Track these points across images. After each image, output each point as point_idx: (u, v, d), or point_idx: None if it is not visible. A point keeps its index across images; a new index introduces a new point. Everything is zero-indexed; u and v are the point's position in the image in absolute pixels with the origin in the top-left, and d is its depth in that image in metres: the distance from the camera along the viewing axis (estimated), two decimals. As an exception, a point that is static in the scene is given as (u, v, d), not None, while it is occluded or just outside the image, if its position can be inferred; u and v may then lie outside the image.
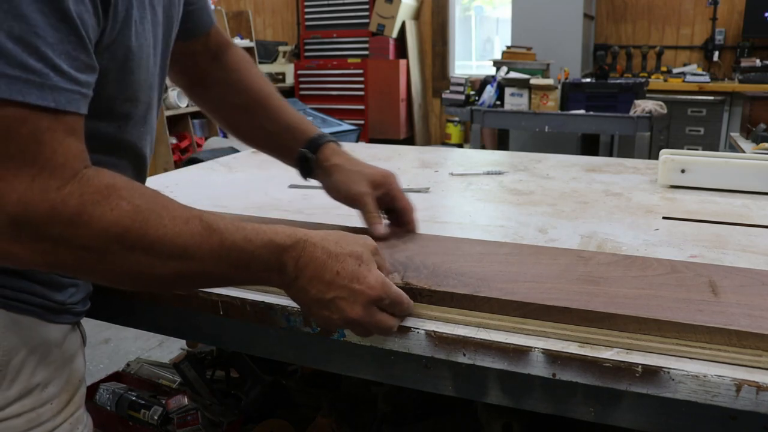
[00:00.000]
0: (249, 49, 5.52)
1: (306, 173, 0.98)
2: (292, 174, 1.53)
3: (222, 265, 0.65)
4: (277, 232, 0.67)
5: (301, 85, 6.71)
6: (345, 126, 4.97)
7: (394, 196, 0.95)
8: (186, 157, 4.48)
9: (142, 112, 0.78)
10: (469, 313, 0.73)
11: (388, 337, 0.73)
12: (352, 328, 0.70)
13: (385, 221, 0.95)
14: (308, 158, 0.96)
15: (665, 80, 4.98)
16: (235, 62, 1.02)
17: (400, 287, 0.76)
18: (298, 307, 0.78)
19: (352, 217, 1.13)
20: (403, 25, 6.30)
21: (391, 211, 0.97)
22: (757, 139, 2.53)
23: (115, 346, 2.70)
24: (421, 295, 0.75)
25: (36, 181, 0.56)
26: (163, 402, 1.51)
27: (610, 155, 4.48)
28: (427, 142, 6.66)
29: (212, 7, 1.02)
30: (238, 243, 0.65)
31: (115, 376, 1.77)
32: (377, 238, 0.87)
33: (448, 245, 0.90)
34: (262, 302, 0.80)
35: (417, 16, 6.53)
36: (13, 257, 0.58)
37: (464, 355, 0.70)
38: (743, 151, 2.42)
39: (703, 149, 4.57)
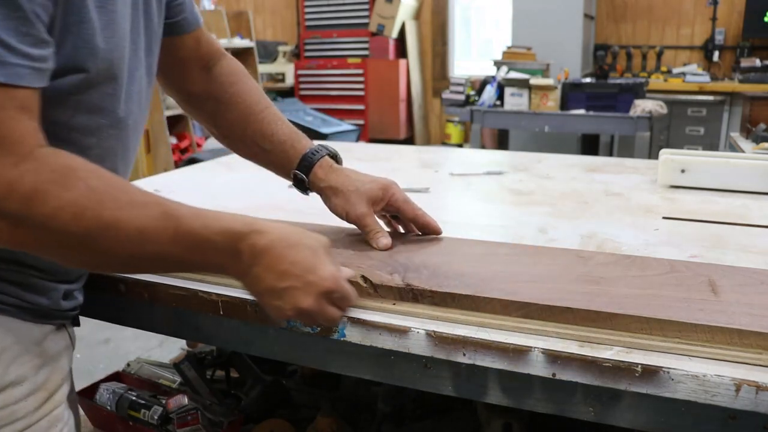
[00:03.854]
0: (249, 50, 5.52)
1: (304, 192, 0.96)
2: (292, 174, 1.54)
3: (178, 250, 0.66)
4: (235, 219, 0.69)
5: (301, 85, 6.71)
6: (345, 126, 4.97)
7: (398, 208, 0.93)
8: (186, 157, 4.49)
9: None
10: (470, 313, 0.73)
11: (337, 330, 0.73)
12: (301, 317, 0.70)
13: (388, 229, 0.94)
14: (302, 180, 0.93)
15: (665, 80, 4.98)
16: (228, 74, 0.98)
17: (400, 288, 0.76)
18: (298, 307, 0.78)
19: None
20: (403, 25, 6.31)
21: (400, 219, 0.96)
22: (757, 139, 2.53)
23: (115, 346, 2.70)
24: (423, 296, 0.75)
25: None
26: (163, 402, 1.51)
27: (610, 155, 4.48)
28: (427, 142, 6.66)
29: (197, 9, 0.97)
30: (196, 228, 0.66)
31: (115, 376, 1.77)
32: (385, 248, 0.88)
33: (448, 246, 0.91)
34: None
35: (417, 16, 6.53)
36: None
37: (464, 354, 0.70)
38: (743, 151, 2.42)
39: (703, 149, 4.57)
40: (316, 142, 0.98)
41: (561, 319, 0.69)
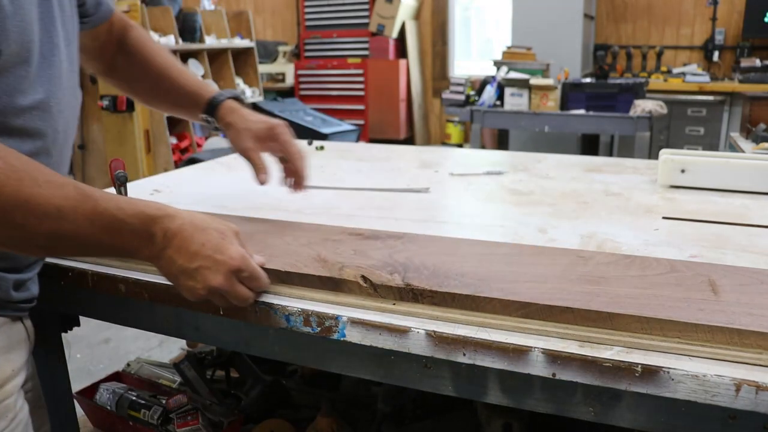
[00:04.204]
0: (249, 50, 5.52)
1: (216, 132, 1.07)
2: (292, 174, 1.54)
3: (95, 230, 0.70)
4: (148, 204, 0.74)
5: (301, 85, 6.71)
6: (345, 126, 4.97)
7: (282, 146, 1.05)
8: (186, 157, 4.48)
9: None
10: (471, 313, 0.73)
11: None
12: (213, 296, 0.75)
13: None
14: (209, 121, 1.06)
15: (665, 80, 4.98)
16: (135, 44, 1.09)
17: (400, 288, 0.76)
18: (298, 307, 0.78)
19: (353, 217, 1.13)
20: (403, 25, 6.31)
21: (286, 160, 1.09)
22: (757, 139, 2.53)
23: (115, 346, 2.70)
24: (423, 296, 0.75)
25: None
26: (164, 402, 1.51)
27: (610, 155, 4.48)
28: (427, 142, 6.67)
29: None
30: (111, 210, 0.71)
31: (115, 376, 1.77)
32: (262, 183, 1.03)
33: (448, 246, 0.91)
34: (262, 302, 0.80)
35: (417, 16, 6.53)
36: None
37: (464, 354, 0.70)
38: (743, 151, 2.42)
39: (703, 149, 4.57)
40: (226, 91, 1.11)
41: (561, 319, 0.69)
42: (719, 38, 5.19)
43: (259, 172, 1.04)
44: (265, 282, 0.79)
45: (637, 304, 0.69)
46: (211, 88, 1.08)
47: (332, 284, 0.80)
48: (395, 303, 0.76)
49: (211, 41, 5.03)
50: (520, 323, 0.70)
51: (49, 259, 0.96)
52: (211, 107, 1.06)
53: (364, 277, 0.78)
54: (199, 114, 1.07)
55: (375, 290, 0.78)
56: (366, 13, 6.38)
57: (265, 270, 0.82)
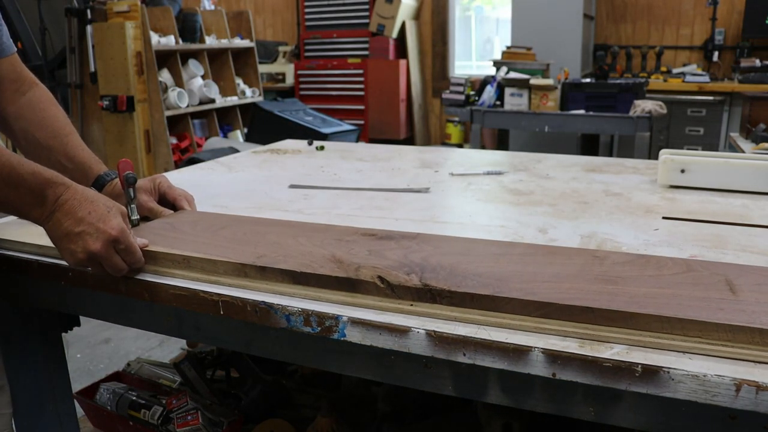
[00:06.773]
0: (249, 50, 5.52)
1: None
2: (293, 174, 1.54)
3: None
4: (47, 169, 0.84)
5: (301, 85, 6.71)
6: (345, 126, 4.97)
7: (164, 192, 1.11)
8: (186, 157, 4.48)
9: None
10: (489, 313, 0.72)
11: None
12: (91, 262, 0.84)
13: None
14: None
15: (665, 80, 4.98)
16: (39, 101, 1.12)
17: (418, 288, 0.76)
18: (298, 306, 0.78)
19: (353, 217, 1.13)
20: (403, 25, 6.30)
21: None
22: (756, 139, 2.53)
23: (115, 346, 2.70)
24: (441, 297, 0.74)
25: None
26: (164, 402, 1.51)
27: (610, 155, 4.48)
28: (427, 142, 6.66)
29: (9, 38, 1.09)
30: (13, 162, 0.81)
31: (116, 376, 1.77)
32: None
33: (462, 246, 0.90)
34: (262, 302, 0.80)
35: (417, 16, 6.53)
36: None
37: (464, 354, 0.70)
38: (743, 151, 2.42)
39: (703, 149, 4.57)
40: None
41: (580, 319, 0.69)
42: (719, 38, 5.19)
43: (162, 213, 1.08)
44: (139, 258, 0.87)
45: (657, 303, 0.68)
46: (102, 165, 1.12)
47: (348, 285, 0.79)
48: (413, 304, 0.76)
49: (211, 41, 5.03)
50: (540, 324, 0.70)
51: (49, 260, 0.96)
52: (101, 183, 1.09)
53: (381, 278, 0.78)
54: (89, 186, 1.08)
55: (392, 291, 0.77)
56: (366, 13, 6.38)
57: (280, 270, 0.82)
